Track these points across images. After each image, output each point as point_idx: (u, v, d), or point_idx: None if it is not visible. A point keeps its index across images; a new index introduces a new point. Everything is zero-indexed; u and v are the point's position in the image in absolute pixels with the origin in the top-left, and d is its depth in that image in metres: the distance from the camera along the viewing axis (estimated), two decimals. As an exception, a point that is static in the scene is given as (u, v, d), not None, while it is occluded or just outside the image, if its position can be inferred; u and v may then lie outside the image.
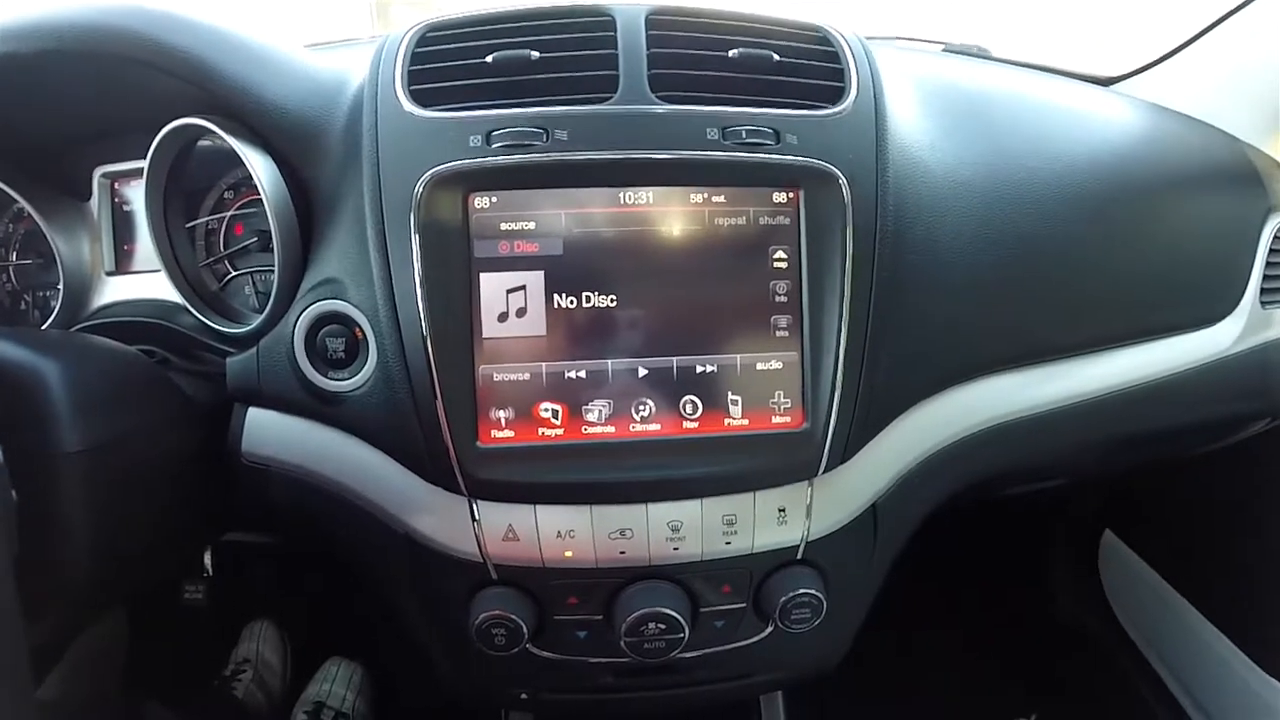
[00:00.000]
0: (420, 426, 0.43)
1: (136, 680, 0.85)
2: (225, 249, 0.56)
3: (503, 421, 0.43)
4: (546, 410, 0.43)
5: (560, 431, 0.43)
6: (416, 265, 0.42)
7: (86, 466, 0.40)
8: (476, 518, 0.44)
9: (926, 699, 0.85)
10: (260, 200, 0.54)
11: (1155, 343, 0.57)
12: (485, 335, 0.43)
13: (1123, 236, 0.55)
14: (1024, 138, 0.55)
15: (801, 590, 0.45)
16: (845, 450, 0.45)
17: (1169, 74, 0.73)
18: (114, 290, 0.59)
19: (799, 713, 0.67)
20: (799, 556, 0.46)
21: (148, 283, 0.57)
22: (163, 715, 0.79)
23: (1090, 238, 0.53)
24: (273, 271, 0.49)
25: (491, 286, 0.43)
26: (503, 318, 0.43)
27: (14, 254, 0.62)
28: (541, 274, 0.43)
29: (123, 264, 0.59)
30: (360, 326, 0.45)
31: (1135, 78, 0.76)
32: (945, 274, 0.48)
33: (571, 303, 0.43)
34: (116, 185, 0.59)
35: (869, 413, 0.45)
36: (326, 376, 0.45)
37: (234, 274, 0.56)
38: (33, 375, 0.39)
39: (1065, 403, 0.54)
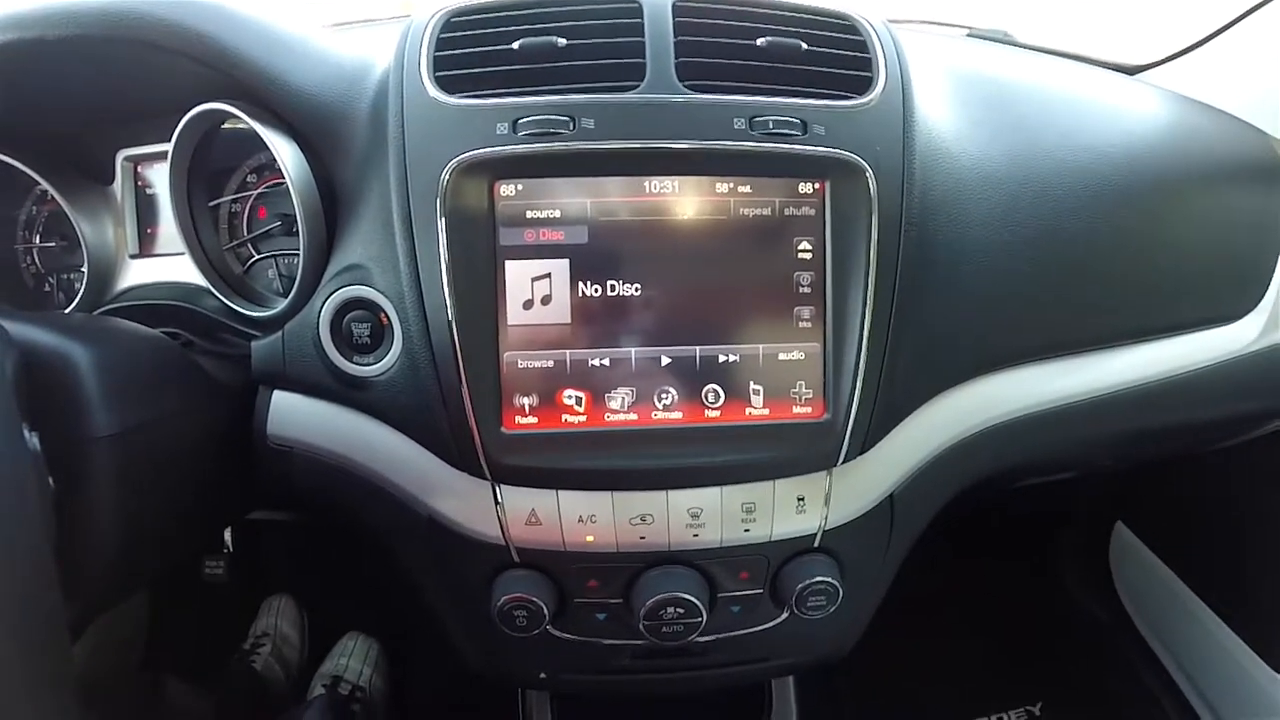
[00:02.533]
0: (445, 412, 0.43)
1: (157, 654, 0.87)
2: (249, 232, 0.56)
3: (527, 408, 0.43)
4: (570, 397, 0.43)
5: (583, 418, 0.43)
6: (442, 252, 0.42)
7: (117, 450, 0.41)
8: (500, 502, 0.45)
9: (933, 685, 0.87)
10: (283, 183, 0.55)
11: (1176, 338, 0.57)
12: (510, 322, 0.43)
13: (1148, 230, 0.54)
14: (1052, 129, 0.54)
15: (818, 578, 0.45)
16: (865, 441, 0.45)
17: (1196, 64, 0.72)
18: (137, 273, 0.59)
19: (809, 696, 0.68)
20: (816, 545, 0.47)
21: (171, 266, 0.58)
22: (182, 688, 0.81)
23: (1115, 231, 0.53)
24: (296, 255, 0.49)
25: (516, 274, 0.43)
26: (527, 305, 0.43)
27: (38, 236, 0.63)
28: (566, 262, 0.43)
29: (146, 247, 0.60)
30: (385, 312, 0.45)
31: (1161, 67, 0.75)
32: (969, 267, 0.48)
33: (596, 291, 0.43)
34: (139, 169, 0.60)
35: (889, 404, 0.46)
36: (352, 361, 0.46)
37: (257, 257, 0.56)
38: (63, 360, 0.40)
39: (1084, 397, 0.54)
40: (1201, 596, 0.79)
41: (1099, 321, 0.54)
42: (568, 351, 0.43)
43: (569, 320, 0.43)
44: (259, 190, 0.56)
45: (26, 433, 0.35)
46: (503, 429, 0.43)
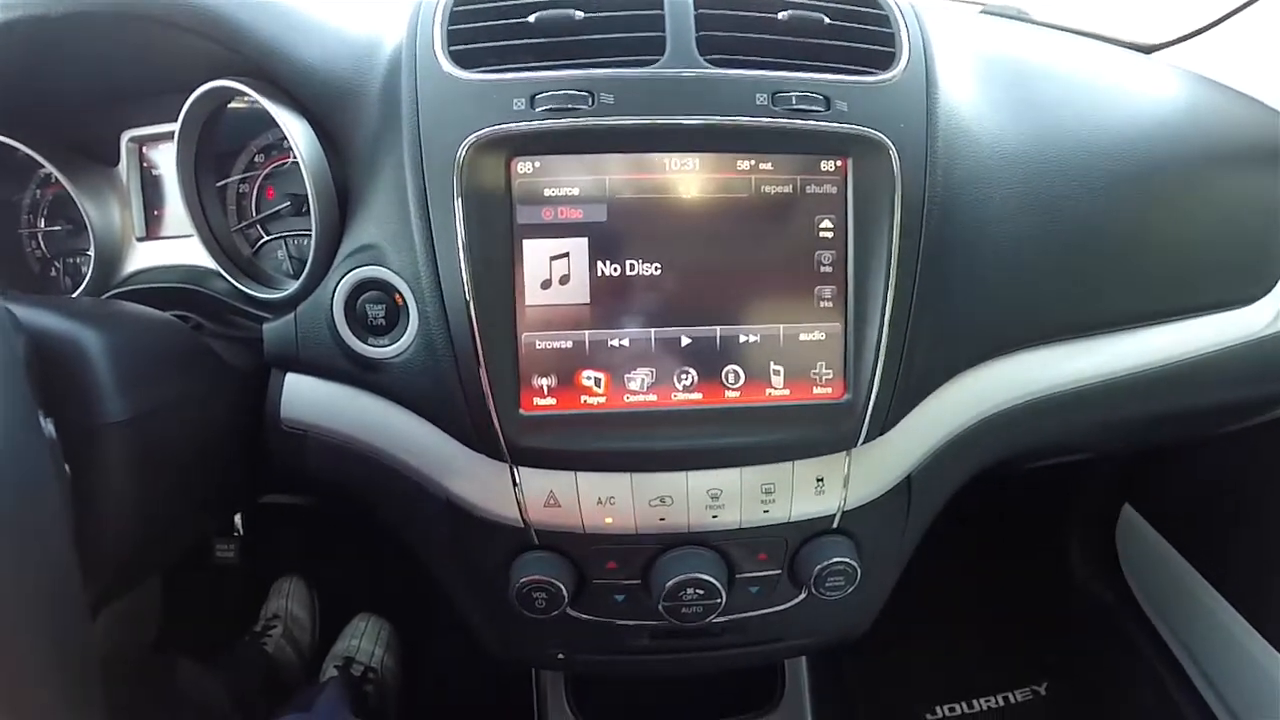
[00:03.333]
0: (463, 394, 0.42)
1: (169, 636, 0.87)
2: (257, 213, 0.55)
3: (545, 389, 0.43)
4: (589, 378, 0.43)
5: (602, 400, 0.43)
6: (459, 231, 0.41)
7: (130, 436, 0.40)
8: (518, 484, 0.44)
9: (940, 666, 0.87)
10: (291, 162, 0.53)
11: (1191, 320, 0.56)
12: (528, 302, 0.42)
13: (1164, 212, 0.54)
14: (1069, 109, 0.53)
15: (836, 559, 0.45)
16: (885, 422, 0.45)
17: (1213, 44, 0.71)
18: (144, 256, 0.58)
19: (818, 678, 0.69)
20: (834, 526, 0.47)
21: (178, 248, 0.57)
22: (194, 669, 0.81)
23: (1132, 212, 0.52)
24: (306, 236, 0.48)
25: (535, 253, 0.42)
26: (545, 285, 0.42)
27: (42, 220, 0.62)
28: (585, 241, 0.42)
29: (152, 229, 0.59)
30: (400, 293, 0.44)
31: (1177, 46, 0.73)
32: (990, 247, 0.47)
33: (615, 270, 0.42)
34: (144, 149, 0.58)
35: (909, 385, 0.45)
36: (366, 343, 0.45)
37: (266, 238, 0.55)
38: (74, 346, 0.39)
39: (1100, 379, 0.53)
40: (1208, 579, 0.79)
41: (1115, 302, 0.53)
42: (586, 332, 0.43)
43: (588, 300, 0.42)
44: (267, 170, 0.55)
45: (42, 419, 0.34)
46: (521, 410, 0.42)
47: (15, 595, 0.29)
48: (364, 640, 0.88)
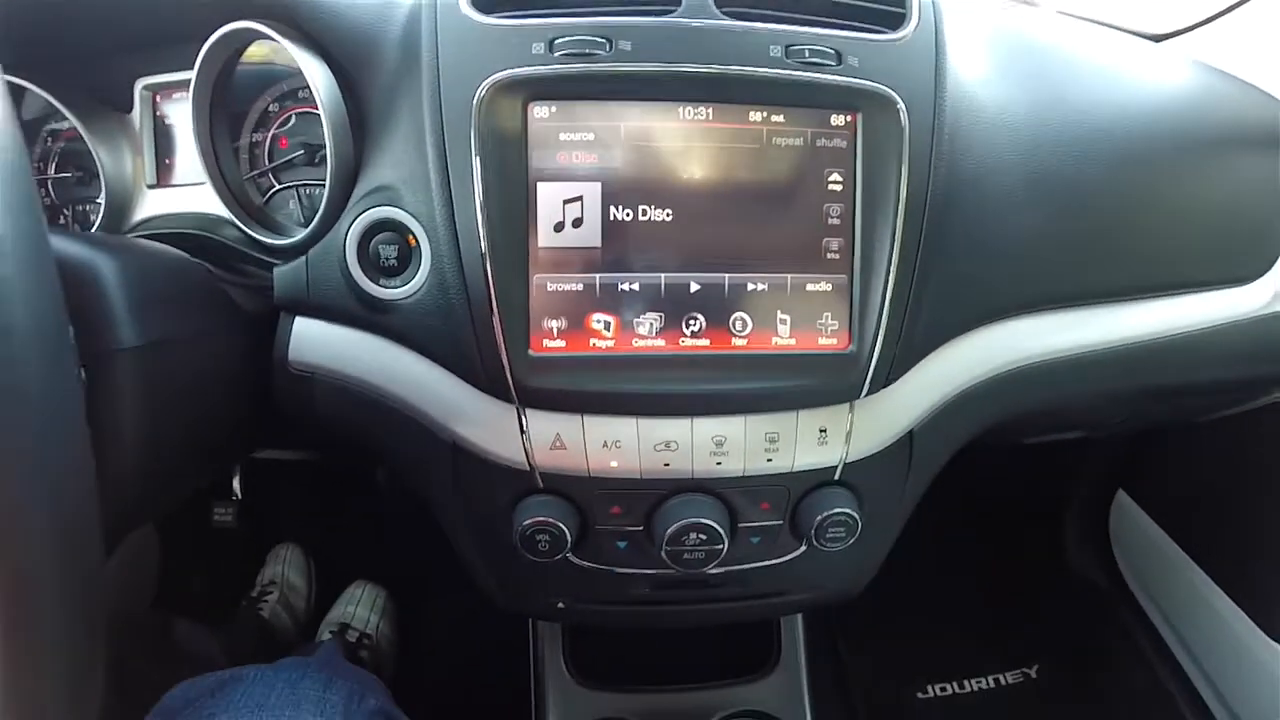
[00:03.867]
0: (474, 334, 0.43)
1: (166, 599, 0.87)
2: (270, 162, 0.55)
3: (555, 331, 0.43)
4: (599, 322, 0.43)
5: (611, 343, 0.43)
6: (475, 172, 0.41)
7: (142, 363, 0.40)
8: (525, 427, 0.45)
9: (932, 647, 0.88)
10: (307, 113, 0.54)
11: (1190, 296, 0.57)
12: (541, 245, 0.43)
13: (1164, 188, 0.55)
14: (1075, 84, 0.54)
15: (837, 510, 0.46)
16: (889, 375, 0.45)
17: (1218, 34, 0.72)
18: (154, 204, 0.58)
19: (814, 656, 0.69)
20: (836, 478, 0.47)
21: (189, 195, 0.57)
22: (191, 630, 0.81)
23: (1133, 186, 0.53)
24: (319, 185, 0.48)
25: (548, 196, 0.42)
26: (558, 228, 0.43)
27: (52, 168, 0.62)
28: (599, 185, 0.43)
29: (164, 177, 0.59)
30: (414, 234, 0.44)
31: (1184, 35, 0.75)
32: (994, 211, 0.48)
33: (627, 215, 0.43)
34: (158, 98, 0.59)
35: (913, 339, 0.46)
36: (378, 284, 0.45)
37: (278, 187, 0.55)
38: (89, 271, 0.39)
39: (1099, 347, 0.54)
40: (1200, 564, 0.80)
41: (1115, 274, 0.54)
42: (597, 276, 0.43)
43: (599, 244, 0.43)
44: (282, 119, 0.55)
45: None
46: (530, 351, 0.43)
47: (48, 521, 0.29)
48: (360, 607, 0.88)
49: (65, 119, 0.57)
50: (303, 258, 0.47)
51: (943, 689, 0.83)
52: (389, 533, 0.94)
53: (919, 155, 0.44)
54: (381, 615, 0.89)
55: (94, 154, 0.57)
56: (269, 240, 0.52)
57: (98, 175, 0.58)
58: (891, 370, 0.45)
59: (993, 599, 0.92)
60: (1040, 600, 0.92)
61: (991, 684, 0.84)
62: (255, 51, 0.52)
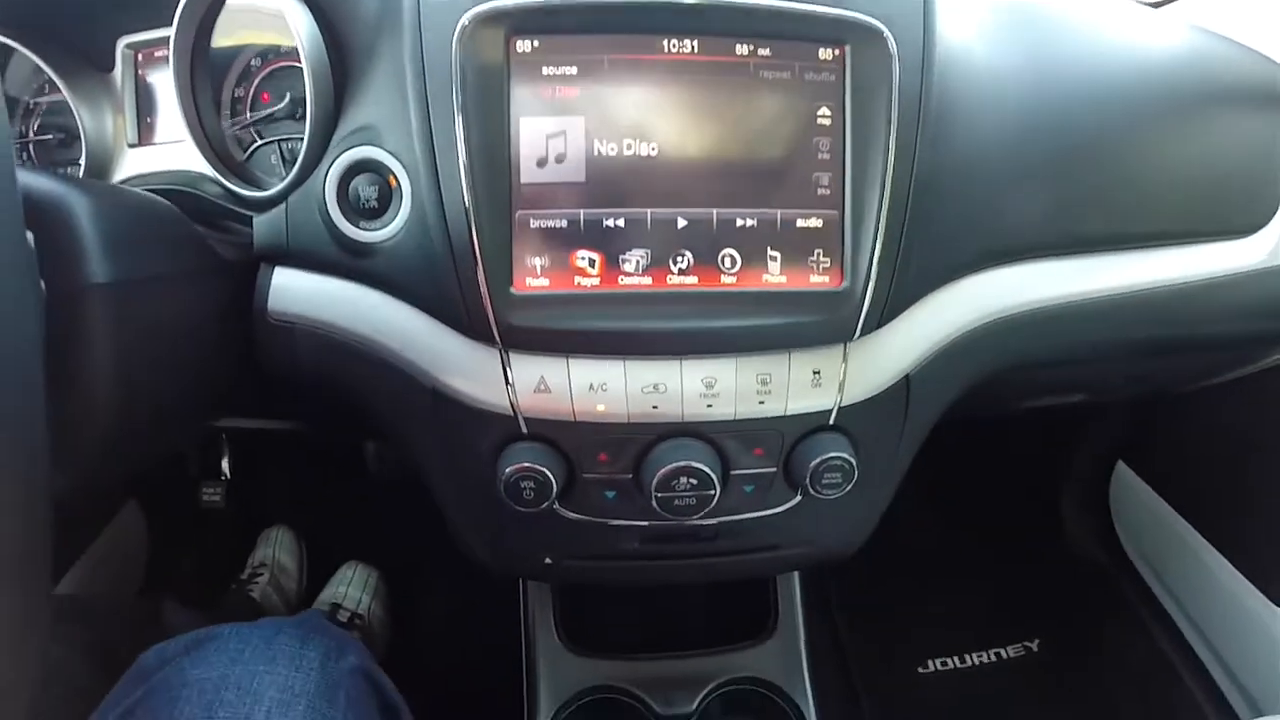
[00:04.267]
0: (455, 273, 0.41)
1: (154, 582, 0.84)
2: (252, 115, 0.54)
3: (538, 269, 0.41)
4: (583, 259, 0.41)
5: (596, 281, 0.41)
6: (456, 108, 0.40)
7: (113, 301, 0.38)
8: (508, 369, 0.42)
9: (932, 622, 0.85)
10: (289, 67, 0.52)
11: (1188, 247, 0.56)
12: (524, 181, 0.41)
13: (1160, 138, 0.53)
14: (1069, 34, 0.53)
15: (833, 454, 0.43)
16: (882, 315, 0.43)
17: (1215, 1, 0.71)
18: (136, 163, 0.57)
19: (811, 629, 0.66)
20: (831, 422, 0.45)
21: (170, 153, 0.55)
22: (180, 614, 0.78)
23: (1127, 133, 0.52)
24: (300, 139, 0.47)
25: (531, 131, 0.41)
26: (541, 163, 0.41)
27: (33, 131, 0.60)
28: (581, 120, 0.41)
29: (145, 136, 0.57)
30: (395, 174, 0.43)
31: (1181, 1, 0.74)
32: (987, 150, 0.47)
33: (612, 150, 0.41)
34: (140, 57, 0.57)
35: (907, 279, 0.44)
36: (358, 227, 0.43)
37: (260, 142, 0.54)
38: (62, 206, 0.37)
39: (1098, 296, 0.52)
40: (1203, 533, 0.78)
41: (1111, 220, 0.52)
42: (581, 211, 0.41)
43: (583, 179, 0.41)
44: (264, 73, 0.54)
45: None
46: (513, 290, 0.41)
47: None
48: (351, 587, 0.85)
49: (47, 83, 0.56)
50: (283, 205, 0.46)
51: (943, 663, 0.80)
52: (381, 515, 0.91)
53: (909, 91, 0.42)
54: (373, 596, 0.86)
55: (75, 113, 0.55)
56: (249, 193, 0.50)
57: (79, 137, 0.56)
58: (885, 311, 0.43)
59: (992, 573, 0.90)
60: (1040, 573, 0.89)
61: (993, 658, 0.81)
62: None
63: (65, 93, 0.55)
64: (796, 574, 0.63)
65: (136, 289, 0.40)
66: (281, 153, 0.53)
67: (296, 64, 0.45)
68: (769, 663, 0.60)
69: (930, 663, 0.81)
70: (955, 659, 0.81)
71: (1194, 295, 0.56)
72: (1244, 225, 0.58)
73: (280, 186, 0.47)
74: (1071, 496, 0.90)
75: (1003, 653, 0.82)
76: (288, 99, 0.52)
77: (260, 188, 0.51)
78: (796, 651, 0.59)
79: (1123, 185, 0.52)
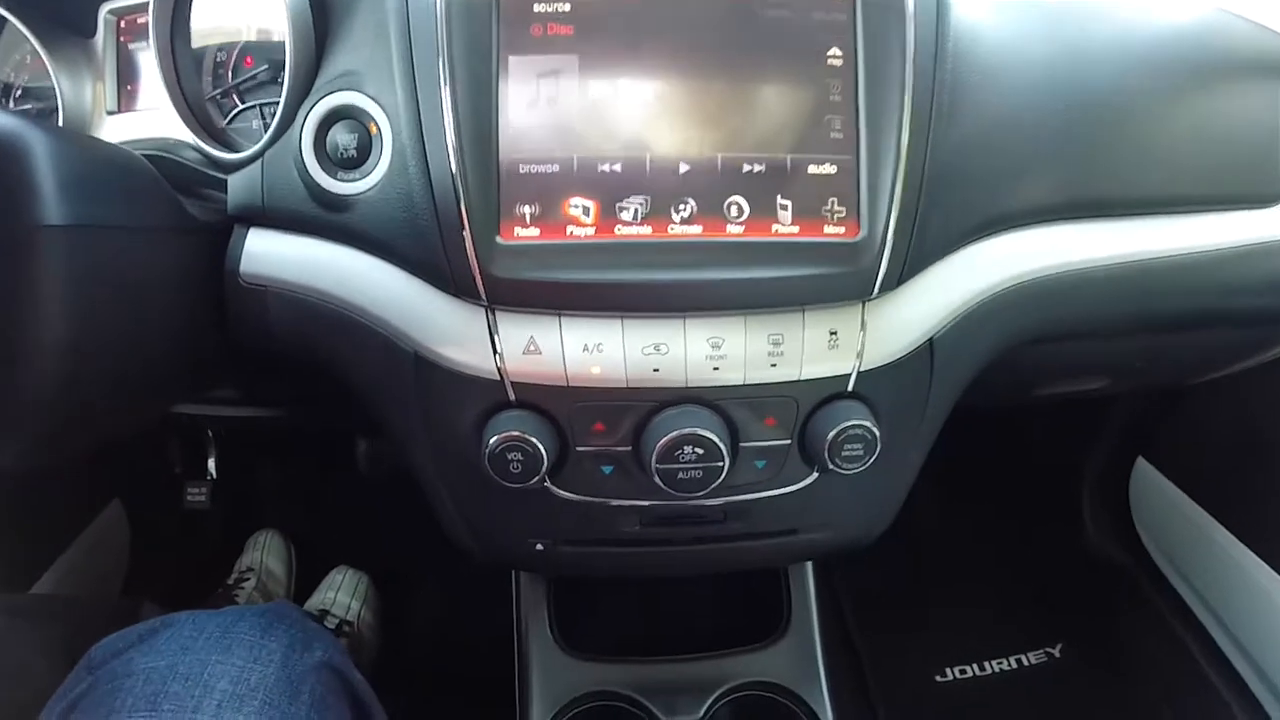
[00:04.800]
0: (438, 224, 0.37)
1: (137, 584, 0.79)
2: (233, 79, 0.50)
3: (528, 218, 0.37)
4: (576, 207, 0.37)
5: (591, 230, 0.37)
6: (441, 47, 0.36)
7: (68, 245, 0.34)
8: (495, 330, 0.38)
9: (952, 626, 0.79)
10: (270, 33, 0.49)
11: (1213, 215, 0.51)
12: (512, 122, 0.36)
13: (1179, 102, 0.49)
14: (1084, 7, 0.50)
15: (853, 422, 0.38)
16: (903, 271, 0.39)
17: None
18: (114, 129, 0.53)
19: (826, 634, 0.61)
20: (850, 388, 0.40)
21: (150, 120, 0.51)
22: (161, 613, 0.73)
23: (1147, 96, 0.48)
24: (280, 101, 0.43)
25: (521, 71, 0.37)
26: (532, 104, 0.37)
27: (12, 102, 0.57)
28: (575, 58, 0.37)
29: (125, 104, 0.54)
30: (375, 121, 0.39)
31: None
32: (1007, 104, 0.43)
33: (608, 91, 0.37)
34: (123, 23, 0.54)
35: (928, 234, 0.39)
36: (336, 178, 0.39)
37: (241, 107, 0.50)
38: (18, 142, 0.34)
39: (1120, 261, 0.48)
40: (1232, 530, 0.72)
41: (1132, 184, 0.48)
42: (575, 155, 0.37)
43: (577, 121, 0.37)
44: (246, 40, 0.50)
45: None
46: (500, 239, 0.36)
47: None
48: (340, 593, 0.79)
49: (29, 54, 0.52)
50: (258, 162, 0.42)
51: (962, 671, 0.74)
52: (372, 517, 0.86)
53: (925, 36, 0.38)
54: (363, 602, 0.80)
55: (54, 80, 0.52)
56: (227, 156, 0.46)
57: (57, 108, 0.53)
58: (905, 267, 0.39)
59: (1011, 575, 0.84)
60: (1060, 575, 0.83)
61: (1013, 664, 0.75)
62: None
63: (45, 59, 0.51)
64: (810, 568, 0.57)
65: (95, 237, 0.36)
66: (263, 117, 0.50)
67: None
68: (781, 665, 0.53)
69: (949, 670, 0.74)
70: (974, 666, 0.75)
71: (1218, 265, 0.51)
72: (1264, 194, 0.54)
73: (258, 146, 0.43)
74: (1091, 494, 0.84)
75: (1024, 659, 0.76)
76: (270, 62, 0.49)
77: (238, 152, 0.48)
78: (812, 653, 0.53)
79: (1145, 146, 0.48)
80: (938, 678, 0.74)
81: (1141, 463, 0.80)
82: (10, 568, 0.72)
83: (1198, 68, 0.51)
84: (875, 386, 0.40)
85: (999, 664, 0.75)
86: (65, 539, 0.74)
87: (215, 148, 0.47)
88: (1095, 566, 0.82)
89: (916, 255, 0.39)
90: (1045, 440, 0.87)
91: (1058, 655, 0.76)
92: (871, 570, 0.73)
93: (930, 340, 0.42)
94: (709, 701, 0.52)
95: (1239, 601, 0.72)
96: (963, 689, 0.73)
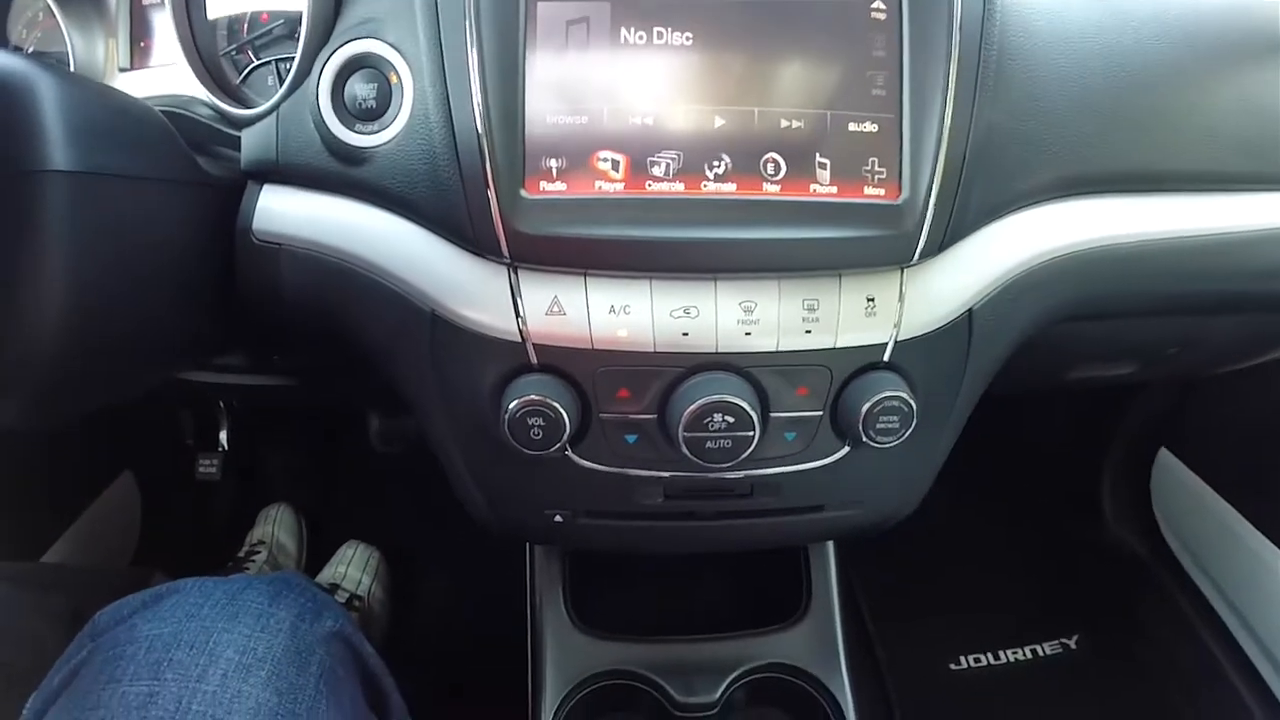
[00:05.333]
0: (460, 176, 0.34)
1: (147, 556, 0.77)
2: (249, 34, 0.48)
3: (554, 171, 0.34)
4: (605, 160, 0.34)
5: (620, 185, 0.34)
6: (467, -10, 0.33)
7: (72, 191, 0.32)
8: (517, 289, 0.35)
9: (967, 614, 0.77)
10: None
11: (1257, 194, 0.48)
12: (539, 71, 0.34)
13: (1224, 77, 0.46)
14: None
15: (889, 393, 0.36)
16: (945, 237, 0.36)
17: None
18: (127, 87, 0.50)
19: (846, 599, 0.58)
20: (886, 359, 0.37)
21: (163, 77, 0.49)
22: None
23: (1197, 67, 0.45)
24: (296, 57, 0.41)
25: (549, 18, 0.34)
26: (560, 52, 0.34)
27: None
28: (607, 5, 0.34)
29: (139, 60, 0.51)
30: (395, 70, 0.36)
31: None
32: (1053, 68, 0.40)
33: (640, 38, 0.34)
34: (136, -22, 0.52)
35: (971, 199, 0.37)
36: (353, 130, 0.37)
37: (256, 63, 0.48)
38: (23, 85, 0.31)
39: (1171, 236, 0.45)
40: (1257, 525, 0.69)
41: (1180, 157, 0.45)
42: (605, 106, 0.34)
43: (608, 70, 0.34)
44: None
45: None
46: (524, 193, 0.34)
47: None
48: (351, 568, 0.77)
49: (42, 10, 0.50)
50: (273, 115, 0.39)
51: (977, 660, 0.72)
52: (384, 492, 0.84)
53: None
54: (374, 577, 0.78)
55: (66, 35, 0.50)
56: (241, 112, 0.44)
57: (68, 64, 0.51)
58: (948, 232, 0.36)
59: (1027, 564, 0.81)
60: (1078, 563, 0.81)
61: (1029, 655, 0.72)
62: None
63: (58, 14, 0.49)
64: (831, 549, 0.55)
65: (102, 186, 0.33)
66: (278, 73, 0.47)
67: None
68: (801, 648, 0.51)
69: (963, 659, 0.72)
70: (989, 655, 0.72)
71: (1260, 244, 0.49)
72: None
73: (273, 101, 0.41)
74: (1111, 484, 0.81)
75: (1039, 649, 0.73)
76: (285, 20, 0.47)
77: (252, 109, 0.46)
78: (832, 636, 0.51)
79: (1193, 118, 0.45)
80: (952, 666, 0.71)
81: (1164, 453, 0.77)
82: (19, 537, 0.71)
83: (1244, 39, 0.48)
84: (912, 358, 0.38)
85: (1014, 654, 0.73)
86: (75, 509, 0.73)
87: (229, 104, 0.44)
88: (1114, 558, 0.80)
89: (959, 221, 0.37)
90: (1065, 428, 0.85)
91: (1073, 646, 0.73)
92: (885, 556, 0.71)
93: (970, 311, 0.39)
94: (726, 682, 0.50)
95: (1261, 598, 0.69)
96: (977, 678, 0.71)
